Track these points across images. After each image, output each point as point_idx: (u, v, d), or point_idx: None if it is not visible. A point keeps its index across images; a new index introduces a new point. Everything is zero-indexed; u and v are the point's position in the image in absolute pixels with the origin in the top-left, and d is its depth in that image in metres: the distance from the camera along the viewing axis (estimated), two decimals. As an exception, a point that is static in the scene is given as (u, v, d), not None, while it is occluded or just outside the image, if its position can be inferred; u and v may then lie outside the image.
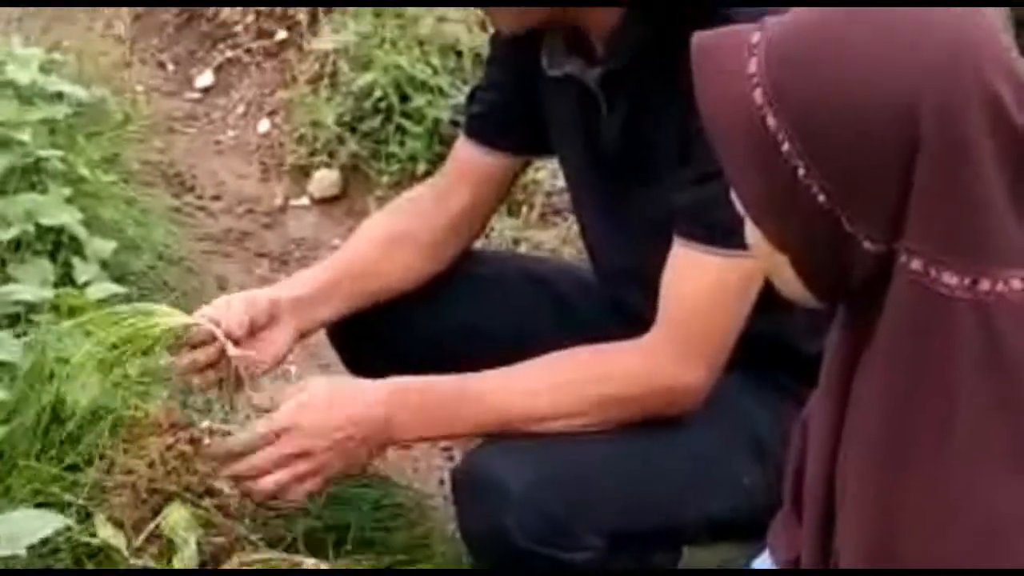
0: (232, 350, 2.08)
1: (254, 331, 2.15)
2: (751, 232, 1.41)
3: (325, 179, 3.99)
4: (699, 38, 1.39)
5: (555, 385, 2.03)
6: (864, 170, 1.30)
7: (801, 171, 1.32)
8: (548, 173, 3.45)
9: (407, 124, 3.87)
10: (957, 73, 1.28)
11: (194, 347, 2.10)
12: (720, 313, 1.99)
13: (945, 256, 1.30)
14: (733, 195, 1.39)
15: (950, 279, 1.30)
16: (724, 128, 1.36)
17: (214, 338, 2.09)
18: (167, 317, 2.10)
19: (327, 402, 2.01)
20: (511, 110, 2.25)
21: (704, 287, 1.98)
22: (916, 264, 1.31)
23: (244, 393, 2.07)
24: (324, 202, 3.97)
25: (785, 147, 1.32)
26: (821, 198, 1.32)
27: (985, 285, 1.30)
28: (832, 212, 1.32)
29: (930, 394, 1.32)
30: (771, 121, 1.32)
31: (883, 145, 1.29)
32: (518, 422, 2.02)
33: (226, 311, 2.13)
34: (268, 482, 2.00)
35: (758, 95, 1.33)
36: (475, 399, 2.03)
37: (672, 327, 2.00)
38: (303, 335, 2.28)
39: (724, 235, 1.90)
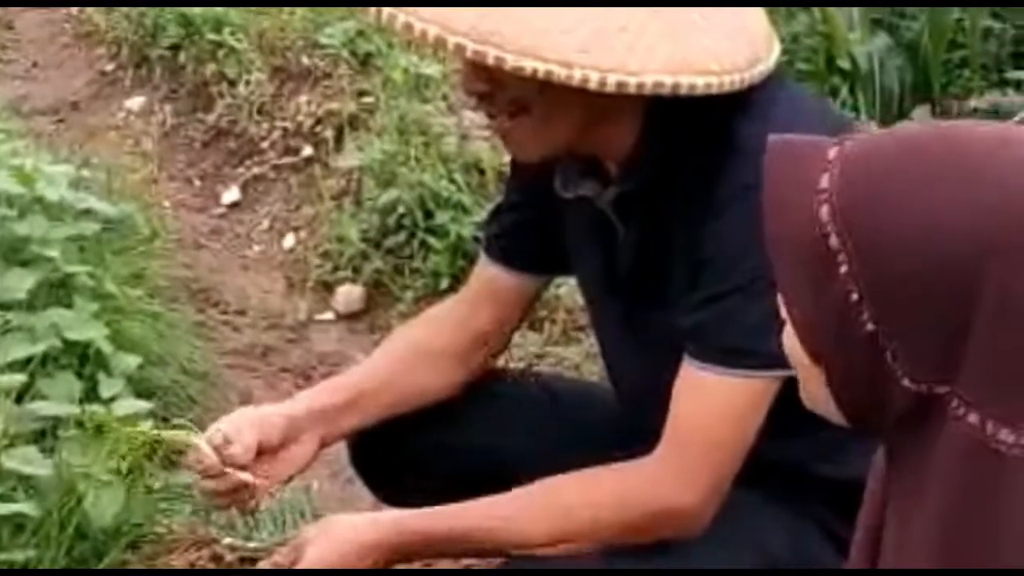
0: (233, 474, 2.11)
1: (266, 452, 2.17)
2: (788, 337, 1.37)
3: (349, 294, 4.01)
4: (776, 139, 1.37)
5: (550, 513, 2.01)
6: (920, 310, 1.27)
7: (855, 295, 1.29)
8: (570, 289, 3.43)
9: (431, 240, 3.89)
10: None
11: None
12: (722, 433, 1.95)
13: (1002, 411, 1.27)
14: (779, 299, 1.36)
15: (1007, 436, 1.27)
16: (783, 234, 1.34)
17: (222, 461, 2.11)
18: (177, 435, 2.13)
19: (322, 562, 2.04)
20: (531, 231, 2.24)
21: (706, 407, 1.94)
22: (973, 418, 1.27)
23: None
24: (348, 317, 3.98)
25: (843, 269, 1.29)
26: (869, 327, 1.29)
27: None
28: (878, 343, 1.30)
29: (978, 547, 1.29)
30: (833, 241, 1.29)
31: (944, 288, 1.26)
32: (515, 549, 2.03)
33: (236, 433, 2.14)
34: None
35: (825, 212, 1.30)
36: (466, 536, 2.04)
37: (673, 447, 1.97)
38: (325, 445, 2.30)
39: (729, 356, 1.90)
